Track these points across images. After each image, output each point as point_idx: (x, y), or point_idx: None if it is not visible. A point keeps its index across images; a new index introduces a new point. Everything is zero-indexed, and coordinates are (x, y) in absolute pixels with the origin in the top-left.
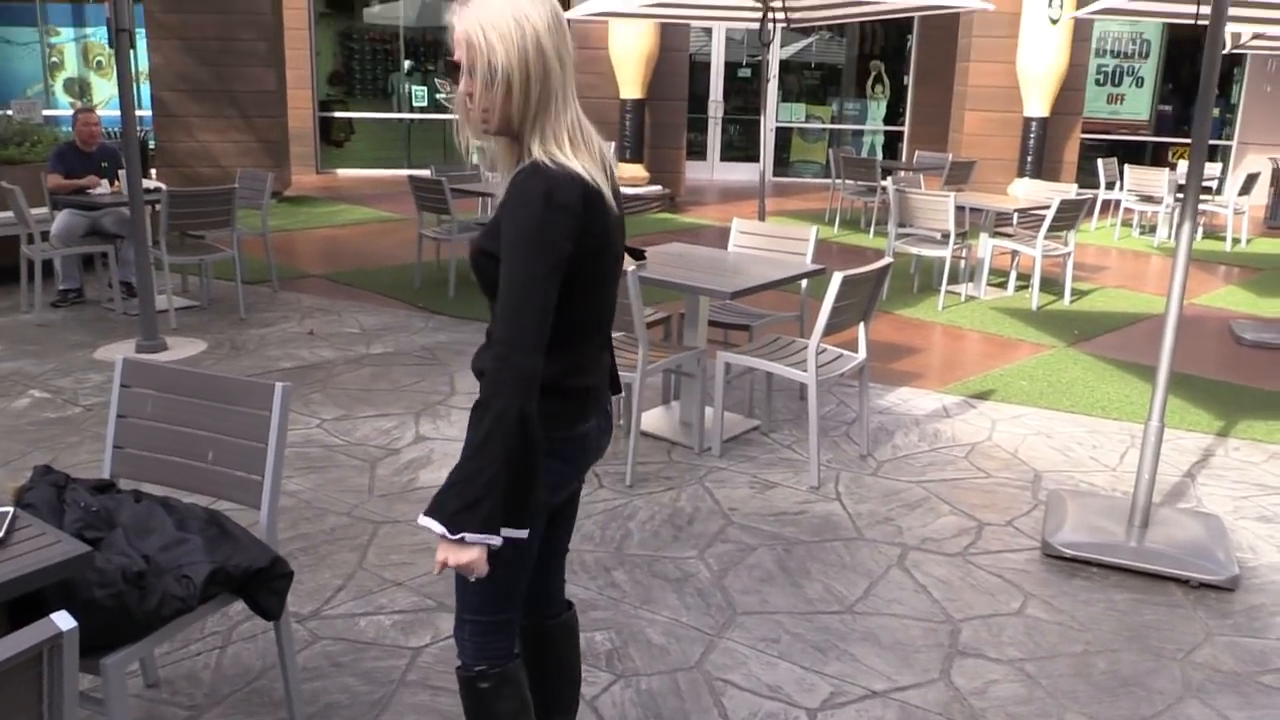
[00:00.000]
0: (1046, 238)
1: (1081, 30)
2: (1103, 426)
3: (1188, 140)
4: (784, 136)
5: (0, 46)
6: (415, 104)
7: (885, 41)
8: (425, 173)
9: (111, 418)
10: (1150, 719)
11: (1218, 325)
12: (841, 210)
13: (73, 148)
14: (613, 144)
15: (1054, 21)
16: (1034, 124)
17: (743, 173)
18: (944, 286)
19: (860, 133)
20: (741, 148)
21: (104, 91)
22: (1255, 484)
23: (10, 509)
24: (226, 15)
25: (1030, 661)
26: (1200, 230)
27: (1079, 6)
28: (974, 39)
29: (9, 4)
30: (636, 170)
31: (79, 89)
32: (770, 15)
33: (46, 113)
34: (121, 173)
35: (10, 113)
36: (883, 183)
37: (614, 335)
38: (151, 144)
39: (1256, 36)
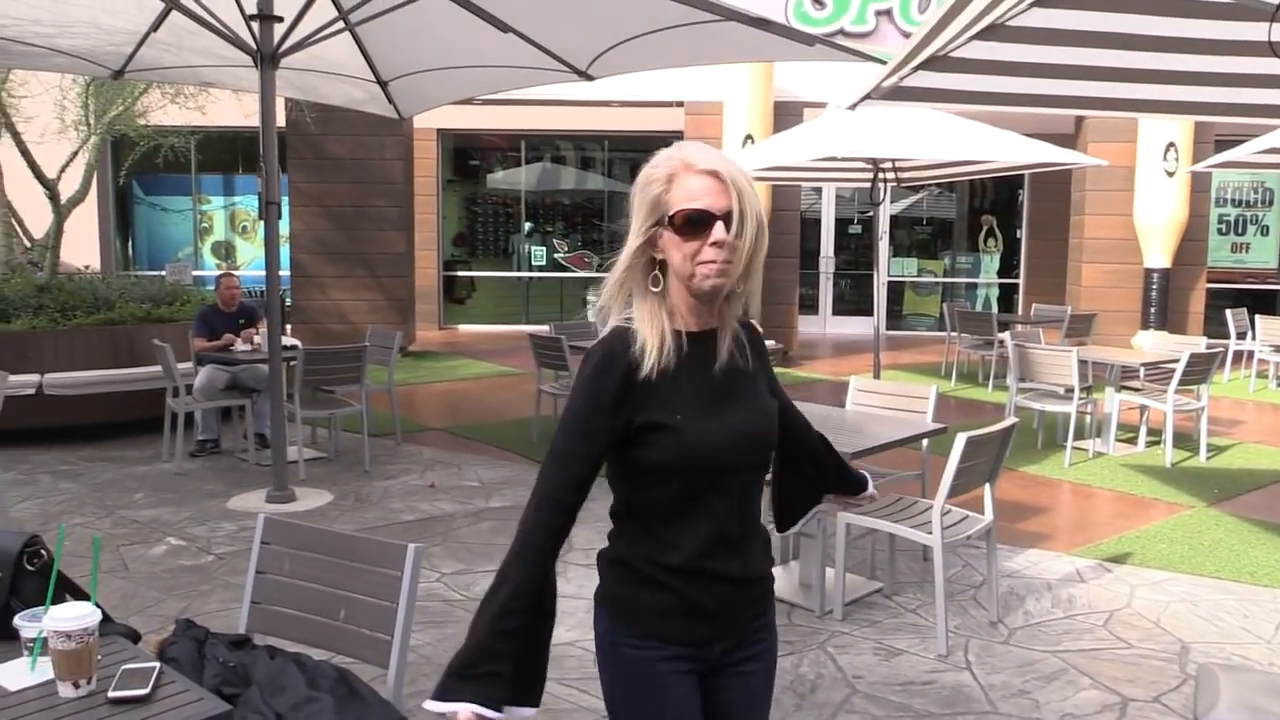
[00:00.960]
0: (1177, 392)
1: (1200, 181)
2: (1254, 594)
3: None
4: (896, 290)
5: (159, 214)
6: (534, 263)
7: (996, 195)
8: (544, 329)
9: (250, 574)
10: None
11: None
12: (958, 364)
13: (215, 310)
14: None
15: (1170, 174)
16: (1155, 275)
17: (855, 326)
18: (1070, 442)
19: (974, 286)
20: (853, 301)
21: (247, 253)
22: None
23: (156, 664)
24: (363, 184)
25: None
26: None
27: (1195, 160)
28: (1088, 192)
29: (168, 175)
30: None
31: (225, 251)
32: (881, 175)
33: (195, 273)
34: (261, 327)
35: (165, 274)
36: (1000, 336)
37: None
38: (288, 302)
39: None
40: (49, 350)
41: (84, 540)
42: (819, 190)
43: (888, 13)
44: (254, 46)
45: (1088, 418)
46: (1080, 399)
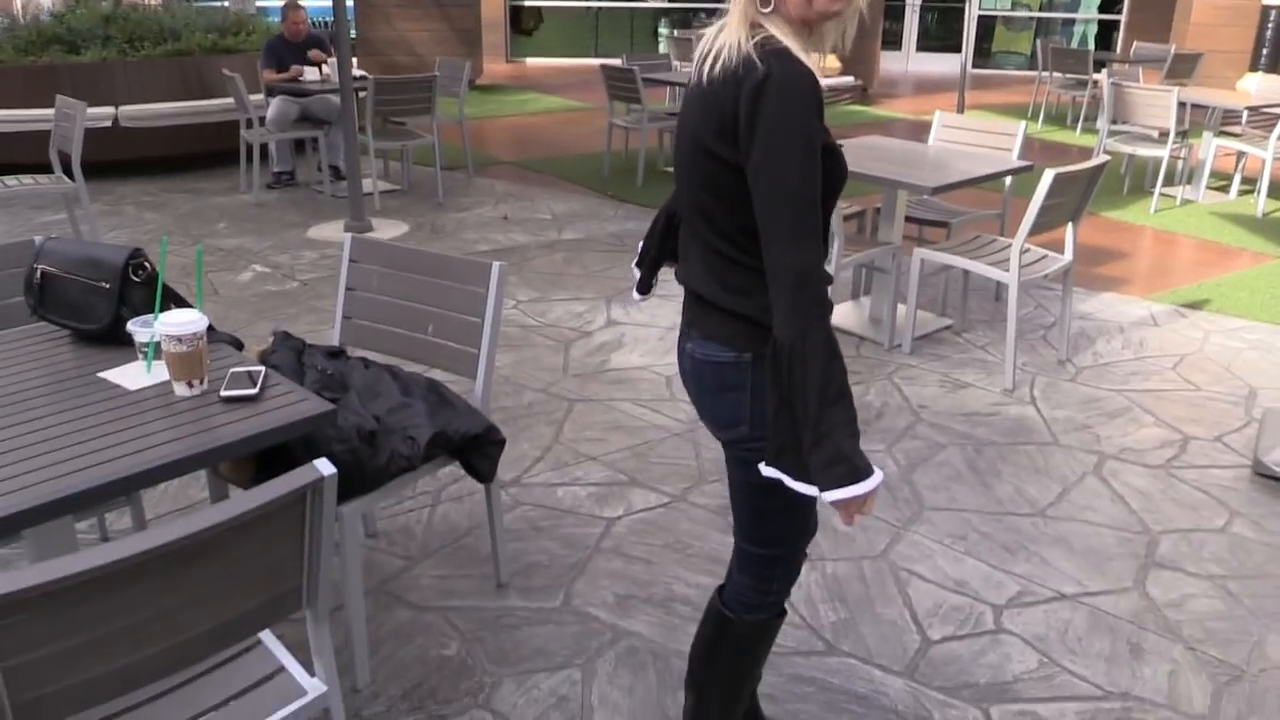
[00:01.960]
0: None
1: None
2: None
3: None
4: (986, 25)
5: None
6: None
7: None
8: (616, 61)
9: (341, 290)
10: None
11: None
12: (1047, 105)
13: (282, 41)
14: None
15: None
16: (1273, 12)
17: (940, 64)
18: (1159, 188)
19: (1071, 21)
20: (939, 37)
21: None
22: None
23: (262, 368)
24: None
25: (1233, 579)
26: None
27: None
28: None
29: None
30: (829, 61)
31: None
32: None
33: (259, 3)
34: (331, 60)
35: (228, 4)
36: (1095, 76)
37: None
38: (353, 34)
39: None
40: (120, 82)
41: (178, 261)
42: None
43: None
44: None
45: (1180, 163)
46: (1175, 143)
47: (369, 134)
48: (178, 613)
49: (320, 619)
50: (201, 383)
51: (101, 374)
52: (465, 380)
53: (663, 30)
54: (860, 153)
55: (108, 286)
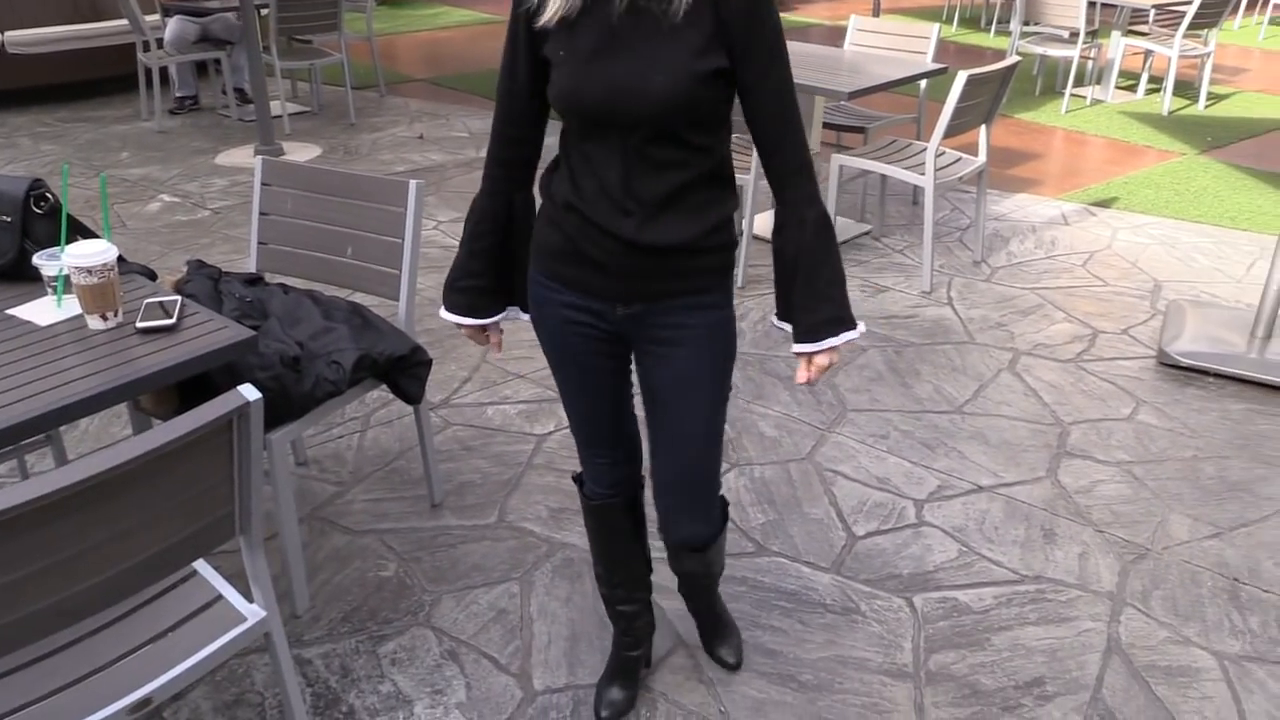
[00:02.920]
0: (1185, 37)
1: None
2: (1230, 237)
3: None
4: None
5: None
6: None
7: None
8: None
9: (254, 215)
10: (1256, 522)
11: None
12: (961, 8)
13: None
14: None
15: None
16: None
17: None
18: (1069, 89)
19: None
20: None
21: None
22: None
23: (178, 297)
24: None
25: (1138, 464)
26: None
27: None
28: None
29: None
30: None
31: None
32: None
33: None
34: None
35: None
36: None
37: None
38: None
39: None
40: (3, 6)
41: (81, 194)
42: None
43: None
44: None
45: (1090, 64)
46: (1085, 43)
47: (274, 53)
48: (107, 546)
49: (254, 545)
50: (116, 315)
51: (10, 311)
52: (388, 303)
53: None
54: None
55: (9, 220)
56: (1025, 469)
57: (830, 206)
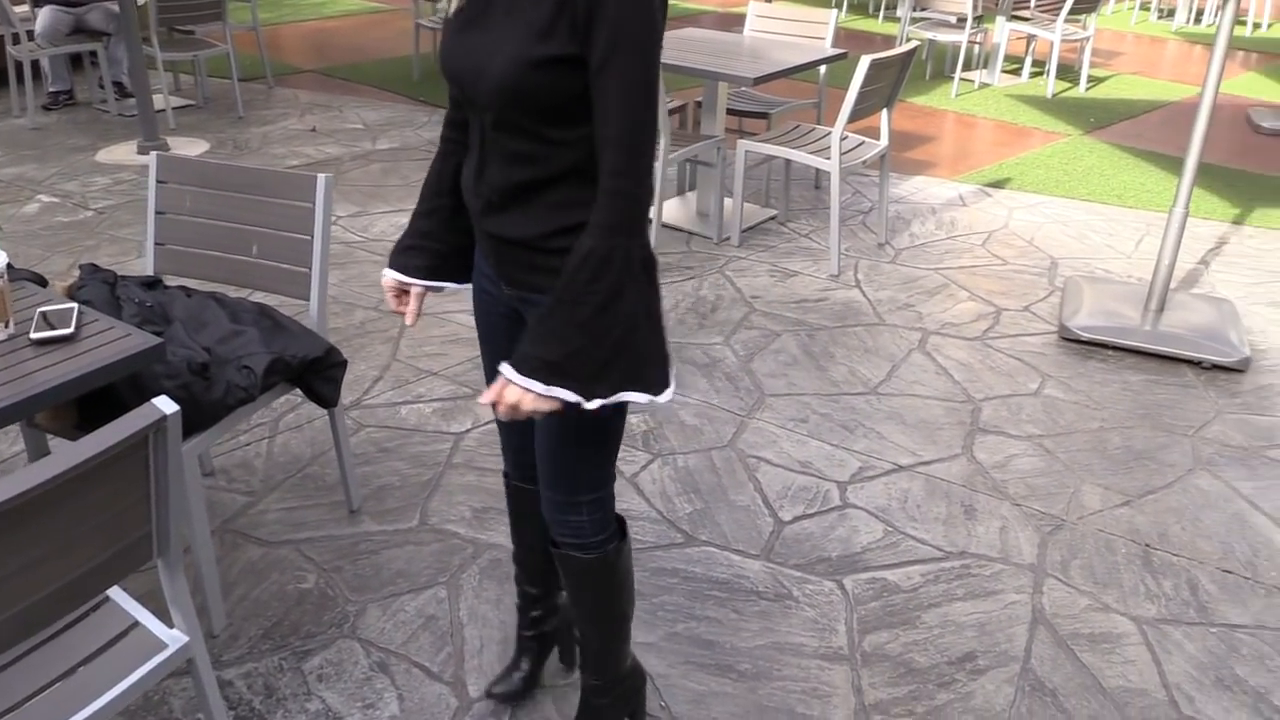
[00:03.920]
0: (1065, 21)
1: None
2: (1119, 214)
3: None
4: None
5: None
6: None
7: None
8: None
9: (150, 214)
10: (1162, 489)
11: (1235, 113)
12: None
13: None
14: None
15: None
16: None
17: None
18: (959, 73)
19: None
20: None
21: None
22: (1269, 270)
23: (74, 305)
24: None
25: (1048, 438)
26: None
27: None
28: None
29: None
30: None
31: None
32: None
33: None
34: None
35: None
36: None
37: None
38: None
39: None
40: None
41: None
42: None
43: None
44: None
45: (977, 48)
46: (972, 29)
47: (155, 44)
48: (16, 578)
49: (174, 567)
50: (7, 325)
51: None
52: (296, 302)
53: None
54: (679, 45)
55: None
56: (942, 447)
57: (737, 193)
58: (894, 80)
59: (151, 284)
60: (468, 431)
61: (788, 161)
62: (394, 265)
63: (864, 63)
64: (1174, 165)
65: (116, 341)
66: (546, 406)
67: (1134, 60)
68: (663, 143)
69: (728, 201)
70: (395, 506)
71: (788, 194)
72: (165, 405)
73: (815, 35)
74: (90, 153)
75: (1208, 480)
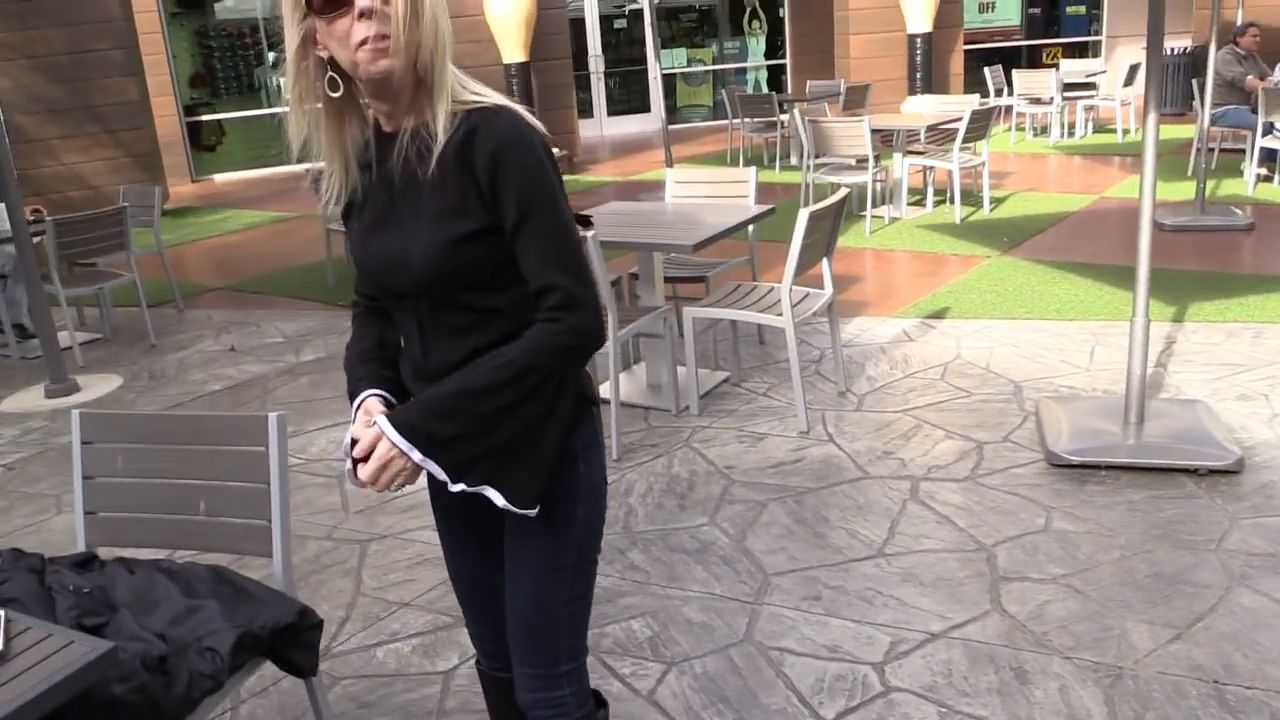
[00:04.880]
0: (960, 150)
1: None
2: (1062, 329)
3: (1060, 41)
4: (668, 83)
5: None
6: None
7: None
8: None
9: (77, 482)
10: (1208, 614)
11: (1130, 216)
12: (743, 149)
13: None
14: None
15: None
16: (918, 40)
17: (631, 125)
18: (869, 211)
19: (743, 70)
20: (624, 100)
21: None
22: (1223, 364)
23: (0, 612)
24: (75, 26)
25: (1074, 576)
26: (1090, 126)
27: None
28: None
29: None
30: None
31: None
32: None
33: None
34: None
35: None
36: (782, 117)
37: None
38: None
39: None
40: None
41: None
42: None
43: None
44: None
45: (879, 185)
46: (874, 168)
47: (55, 282)
48: None
49: None
50: None
51: None
52: (257, 560)
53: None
54: (609, 220)
55: None
56: (969, 605)
57: (690, 361)
58: (830, 229)
59: (85, 562)
60: (456, 668)
61: (733, 322)
62: (368, 386)
63: (803, 216)
64: (1098, 273)
65: (57, 654)
66: (406, 478)
67: (1025, 178)
68: (612, 317)
69: (681, 370)
70: None
71: (738, 354)
72: None
73: (738, 195)
74: None
75: (1249, 597)
